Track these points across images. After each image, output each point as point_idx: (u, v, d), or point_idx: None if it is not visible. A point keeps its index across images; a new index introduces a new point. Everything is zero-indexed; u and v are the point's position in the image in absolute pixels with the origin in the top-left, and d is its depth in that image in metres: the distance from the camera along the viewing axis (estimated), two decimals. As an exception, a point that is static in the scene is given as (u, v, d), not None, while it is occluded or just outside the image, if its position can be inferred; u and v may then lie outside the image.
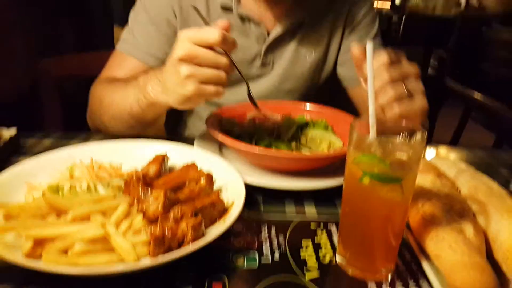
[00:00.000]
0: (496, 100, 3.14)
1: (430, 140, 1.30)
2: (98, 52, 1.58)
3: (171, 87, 0.69)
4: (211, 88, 0.67)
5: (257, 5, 0.96)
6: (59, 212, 0.55)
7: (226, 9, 0.96)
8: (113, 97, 0.85)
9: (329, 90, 1.14)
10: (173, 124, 1.19)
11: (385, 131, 0.54)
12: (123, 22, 1.26)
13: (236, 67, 0.73)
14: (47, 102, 1.54)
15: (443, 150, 1.02)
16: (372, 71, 0.55)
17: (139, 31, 0.98)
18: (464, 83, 3.63)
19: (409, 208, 0.54)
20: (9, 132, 0.81)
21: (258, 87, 1.05)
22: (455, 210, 0.56)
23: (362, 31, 1.05)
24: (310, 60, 1.05)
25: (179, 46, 0.66)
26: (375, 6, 7.41)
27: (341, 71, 1.10)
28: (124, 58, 0.99)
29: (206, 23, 0.72)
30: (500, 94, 3.42)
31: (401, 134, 0.53)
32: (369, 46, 0.55)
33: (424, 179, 0.64)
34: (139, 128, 0.87)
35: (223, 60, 0.66)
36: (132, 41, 0.99)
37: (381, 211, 0.52)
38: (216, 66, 0.66)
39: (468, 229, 0.53)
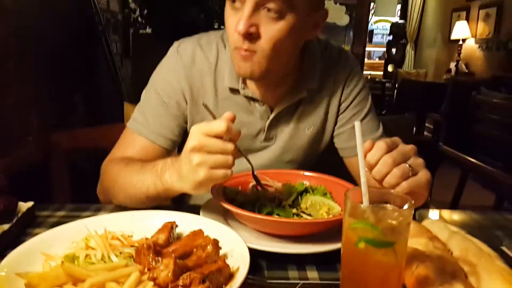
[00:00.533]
0: (491, 161, 3.22)
1: (430, 202, 1.34)
2: (106, 126, 1.68)
3: (185, 174, 0.77)
4: (220, 172, 0.75)
5: (259, 88, 1.06)
6: (76, 281, 0.59)
7: (234, 90, 1.06)
8: (129, 179, 0.92)
9: (327, 160, 1.21)
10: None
11: (377, 199, 0.59)
12: (132, 98, 1.36)
13: (241, 152, 0.82)
14: (56, 172, 1.60)
15: (436, 213, 1.06)
16: (362, 146, 0.62)
17: (150, 112, 1.07)
18: (458, 145, 3.73)
19: (403, 270, 0.58)
20: (26, 205, 0.86)
21: (261, 159, 1.12)
22: (447, 271, 0.60)
23: (357, 107, 1.14)
24: (309, 133, 1.13)
25: (191, 138, 0.76)
26: (368, 73, 7.80)
27: (337, 142, 1.17)
28: (135, 137, 1.06)
29: (214, 117, 0.81)
30: (494, 154, 3.50)
31: (391, 202, 0.58)
32: (357, 124, 0.63)
33: (417, 242, 0.68)
34: (150, 205, 0.92)
35: (229, 146, 0.75)
36: (142, 121, 1.06)
37: (377, 273, 0.56)
38: (223, 153, 0.74)
39: (460, 289, 0.57)
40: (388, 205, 0.58)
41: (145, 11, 2.47)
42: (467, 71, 6.15)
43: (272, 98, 1.08)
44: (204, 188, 0.78)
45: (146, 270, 0.64)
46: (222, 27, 2.66)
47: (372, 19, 8.49)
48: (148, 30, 2.56)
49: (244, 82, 1.06)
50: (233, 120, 0.77)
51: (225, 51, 1.07)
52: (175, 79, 1.06)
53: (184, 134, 1.10)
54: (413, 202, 0.56)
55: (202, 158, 0.74)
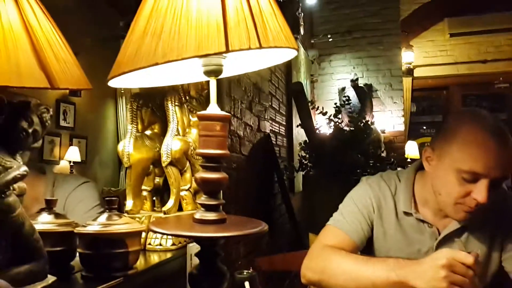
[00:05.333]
0: None
1: None
2: (294, 252, 2.13)
3: (428, 278, 1.06)
4: None
5: (432, 216, 1.36)
6: None
7: (407, 213, 1.36)
8: (354, 266, 1.21)
9: (499, 283, 1.38)
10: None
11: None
12: (313, 230, 1.79)
13: (476, 281, 1.07)
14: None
15: None
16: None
17: (347, 214, 1.40)
18: None
19: None
20: None
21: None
22: None
23: None
24: (476, 256, 1.35)
25: (442, 256, 1.06)
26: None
27: (507, 266, 1.35)
28: (335, 231, 1.37)
29: (463, 250, 1.14)
30: None
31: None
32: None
33: None
34: None
35: (470, 272, 1.03)
36: (342, 220, 1.39)
37: None
38: (465, 276, 1.03)
39: None
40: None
41: (314, 156, 3.06)
42: None
43: (440, 223, 1.35)
44: None
45: None
46: (378, 164, 3.07)
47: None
48: (315, 171, 3.11)
49: (416, 207, 1.38)
50: (476, 258, 1.06)
51: (400, 184, 1.41)
52: (368, 197, 1.40)
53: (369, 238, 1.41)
54: None
55: (448, 274, 1.04)
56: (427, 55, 7.10)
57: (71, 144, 2.40)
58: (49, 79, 0.93)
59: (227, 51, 0.75)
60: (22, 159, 0.71)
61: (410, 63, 6.79)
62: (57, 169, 2.29)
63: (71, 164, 2.39)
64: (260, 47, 0.78)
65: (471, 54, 6.96)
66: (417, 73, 7.02)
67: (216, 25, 0.75)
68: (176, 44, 0.72)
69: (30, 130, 0.69)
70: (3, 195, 0.65)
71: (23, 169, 0.67)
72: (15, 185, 0.69)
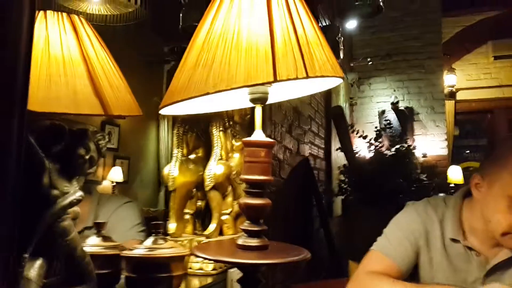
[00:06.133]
0: None
1: None
2: (334, 280, 2.07)
3: None
4: None
5: (480, 244, 1.30)
6: None
7: (455, 240, 1.30)
8: None
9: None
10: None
11: None
12: (352, 256, 1.74)
13: None
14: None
15: None
16: None
17: (394, 240, 1.35)
18: None
19: None
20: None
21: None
22: None
23: None
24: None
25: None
26: None
27: None
28: (381, 257, 1.33)
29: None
30: None
31: None
32: None
33: None
34: None
35: None
36: (388, 246, 1.34)
37: None
38: None
39: None
40: None
41: (353, 180, 3.00)
42: None
43: (488, 252, 1.28)
44: None
45: None
46: (420, 190, 2.98)
47: None
48: (355, 196, 3.05)
49: (463, 235, 1.31)
50: None
51: (447, 210, 1.36)
52: (415, 222, 1.36)
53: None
54: None
55: None
56: (470, 78, 6.89)
57: (114, 165, 2.46)
58: (103, 106, 0.98)
59: (275, 80, 0.76)
60: (78, 184, 0.74)
61: (452, 86, 6.60)
62: (100, 189, 2.36)
63: (113, 184, 2.45)
64: (307, 76, 0.79)
65: (518, 76, 6.69)
66: (460, 96, 6.80)
67: (265, 55, 0.76)
68: (226, 74, 0.74)
69: (87, 157, 0.72)
70: (59, 219, 0.68)
71: (79, 194, 0.70)
72: (70, 209, 0.72)
